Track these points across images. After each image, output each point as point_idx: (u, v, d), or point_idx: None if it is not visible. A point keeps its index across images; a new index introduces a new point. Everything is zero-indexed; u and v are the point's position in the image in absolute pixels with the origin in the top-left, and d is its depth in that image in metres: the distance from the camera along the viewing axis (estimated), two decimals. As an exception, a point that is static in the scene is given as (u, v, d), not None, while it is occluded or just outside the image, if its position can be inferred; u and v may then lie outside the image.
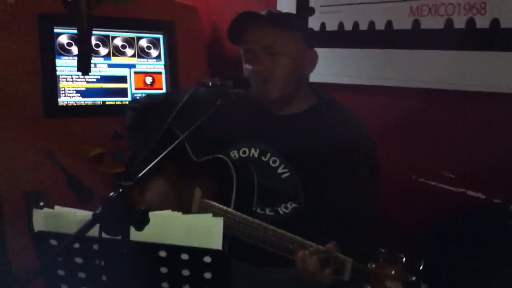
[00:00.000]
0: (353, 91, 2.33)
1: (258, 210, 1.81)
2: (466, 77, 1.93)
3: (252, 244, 1.66)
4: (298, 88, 1.90)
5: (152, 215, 1.28)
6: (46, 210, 1.38)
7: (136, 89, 2.84)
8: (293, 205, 1.80)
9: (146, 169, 1.38)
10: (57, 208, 1.39)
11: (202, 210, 1.79)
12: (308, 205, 1.79)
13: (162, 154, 1.42)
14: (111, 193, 1.26)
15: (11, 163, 2.49)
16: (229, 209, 1.72)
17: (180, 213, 1.36)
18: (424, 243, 1.82)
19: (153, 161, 1.42)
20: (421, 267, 1.33)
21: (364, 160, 1.78)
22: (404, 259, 1.36)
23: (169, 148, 1.44)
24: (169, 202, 1.89)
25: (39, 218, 1.38)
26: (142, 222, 1.27)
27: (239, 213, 1.69)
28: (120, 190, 1.26)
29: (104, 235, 1.25)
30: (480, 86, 1.89)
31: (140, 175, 1.36)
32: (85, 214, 1.30)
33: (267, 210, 1.82)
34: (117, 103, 2.76)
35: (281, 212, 1.81)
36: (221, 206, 1.75)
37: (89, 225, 1.25)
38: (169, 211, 1.36)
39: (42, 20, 2.53)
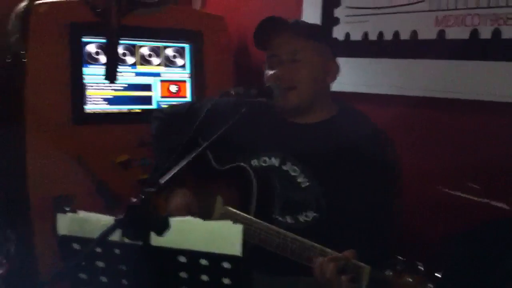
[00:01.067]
0: (377, 100, 2.32)
1: (279, 218, 1.82)
2: (493, 87, 1.91)
3: (271, 253, 1.66)
4: (319, 97, 1.90)
5: (173, 221, 1.30)
6: (70, 215, 1.41)
7: (161, 97, 2.87)
8: (314, 214, 1.80)
9: (168, 175, 1.40)
10: (81, 213, 1.41)
11: (223, 217, 1.80)
12: (328, 214, 1.79)
13: (185, 162, 1.44)
14: (134, 199, 1.29)
15: (41, 168, 2.55)
16: (249, 217, 1.73)
17: (201, 220, 1.37)
18: (446, 254, 1.80)
19: (176, 169, 1.44)
20: (439, 276, 1.32)
21: (385, 170, 1.78)
22: (422, 267, 1.35)
23: (191, 156, 1.46)
24: (191, 209, 1.91)
25: (63, 222, 1.41)
26: (162, 228, 1.29)
27: (259, 221, 1.70)
28: (142, 196, 1.29)
29: (126, 240, 1.28)
30: (504, 97, 1.86)
31: (162, 182, 1.38)
32: (109, 219, 1.32)
33: (288, 218, 1.82)
34: (142, 110, 2.80)
35: (302, 220, 1.81)
36: (241, 213, 1.75)
37: (110, 230, 1.27)
38: (189, 217, 1.38)
39: (71, 29, 2.58)
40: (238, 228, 1.35)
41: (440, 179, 2.09)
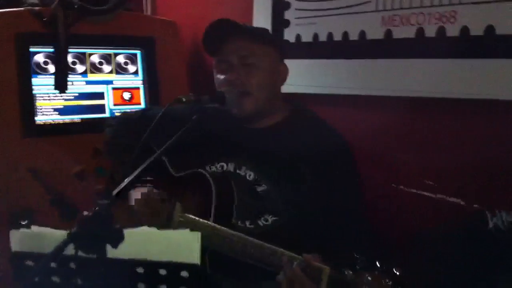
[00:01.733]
0: (330, 101, 2.35)
1: (239, 223, 1.82)
2: (441, 85, 1.95)
3: (232, 258, 1.66)
4: (272, 101, 1.92)
5: (128, 232, 1.29)
6: (22, 230, 1.38)
7: (114, 105, 2.84)
8: (273, 217, 1.81)
9: (121, 186, 1.39)
10: (34, 228, 1.39)
11: (183, 224, 1.79)
12: (287, 217, 1.80)
13: (138, 170, 1.42)
14: (86, 212, 1.27)
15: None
16: (209, 223, 1.73)
17: (156, 229, 1.36)
18: (405, 251, 1.84)
19: (130, 178, 1.42)
20: (397, 272, 1.34)
21: (340, 168, 1.80)
22: (379, 264, 1.37)
23: (144, 164, 1.45)
24: (149, 218, 1.89)
25: (16, 238, 1.38)
26: (117, 240, 1.28)
27: (219, 227, 1.70)
28: (96, 208, 1.27)
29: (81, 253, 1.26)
30: (457, 94, 1.91)
31: (114, 193, 1.36)
32: (63, 233, 1.30)
33: (247, 223, 1.83)
34: (95, 120, 2.76)
35: (261, 225, 1.82)
36: (201, 220, 1.75)
37: (64, 244, 1.25)
38: (145, 227, 1.37)
39: (18, 39, 2.53)
40: (196, 236, 1.35)
41: (395, 176, 2.12)
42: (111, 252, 1.29)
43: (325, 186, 1.77)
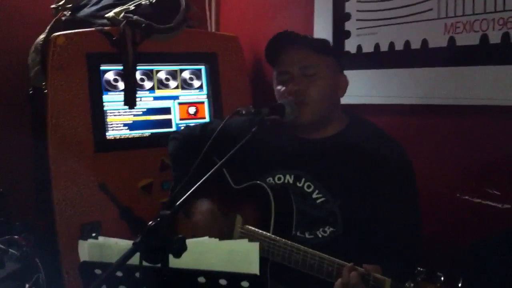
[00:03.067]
0: (391, 111, 2.32)
1: (298, 234, 1.82)
2: (500, 92, 1.90)
3: (292, 269, 1.67)
4: (331, 112, 1.91)
5: (190, 242, 1.32)
6: (90, 241, 1.44)
7: (180, 119, 2.91)
8: (331, 229, 1.81)
9: (183, 198, 1.42)
10: (101, 238, 1.45)
11: (244, 236, 1.82)
12: (345, 229, 1.79)
13: (200, 182, 1.46)
14: (150, 222, 1.32)
15: (66, 196, 2.61)
16: (269, 234, 1.74)
17: (217, 239, 1.39)
18: (467, 262, 1.78)
19: (192, 189, 1.46)
20: (459, 284, 1.31)
21: (399, 180, 1.77)
22: (442, 277, 1.34)
23: (206, 176, 1.47)
24: (211, 230, 1.93)
25: (83, 249, 1.44)
26: (180, 250, 1.31)
27: (278, 238, 1.71)
28: (158, 219, 1.31)
29: (145, 263, 1.30)
30: None
31: (177, 204, 1.40)
32: (128, 243, 1.35)
33: (306, 234, 1.83)
34: (163, 134, 2.84)
35: (320, 236, 1.81)
36: (261, 231, 1.77)
37: (129, 254, 1.30)
38: (206, 238, 1.40)
39: (89, 58, 2.65)
40: (255, 247, 1.37)
41: (459, 186, 2.07)
42: (174, 262, 1.32)
43: (383, 198, 1.74)
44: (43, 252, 2.72)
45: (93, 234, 2.68)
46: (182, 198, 1.44)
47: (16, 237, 2.57)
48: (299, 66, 1.87)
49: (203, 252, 1.38)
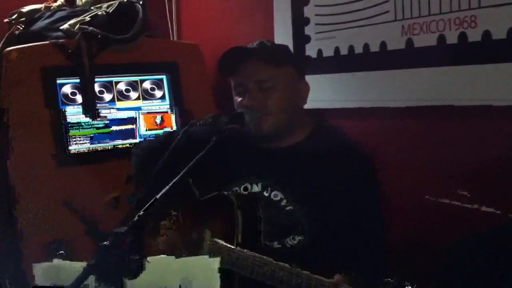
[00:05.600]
0: (354, 115, 2.31)
1: (266, 243, 1.80)
2: (464, 92, 1.90)
3: (261, 283, 1.64)
4: (292, 120, 1.89)
5: (147, 261, 1.28)
6: (45, 263, 1.40)
7: (146, 130, 2.87)
8: (299, 237, 1.78)
9: (140, 212, 1.39)
10: (56, 261, 1.40)
11: (212, 250, 1.78)
12: (314, 236, 1.77)
13: (154, 198, 1.42)
14: (104, 242, 1.27)
15: (30, 214, 2.53)
16: (238, 248, 1.71)
17: (173, 257, 1.35)
18: (436, 267, 1.77)
19: (149, 204, 1.42)
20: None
21: (364, 185, 1.76)
22: (409, 286, 1.32)
23: (162, 192, 1.44)
24: (179, 245, 1.89)
25: (38, 272, 1.39)
26: (137, 270, 1.27)
27: (245, 250, 1.68)
28: (112, 238, 1.27)
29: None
30: (477, 100, 1.86)
31: (133, 221, 1.36)
32: (82, 265, 1.30)
33: (275, 244, 1.81)
34: (127, 146, 2.80)
35: (288, 245, 1.79)
36: (229, 245, 1.73)
37: (83, 276, 1.26)
38: (163, 256, 1.36)
39: (44, 72, 2.58)
40: (215, 262, 1.34)
41: (428, 188, 2.07)
42: (131, 282, 1.28)
43: (346, 204, 1.73)
44: (8, 272, 2.65)
45: (61, 252, 2.63)
46: (139, 213, 1.40)
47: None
48: (254, 80, 1.84)
49: (161, 270, 1.34)
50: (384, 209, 1.78)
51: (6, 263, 2.48)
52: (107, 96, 2.80)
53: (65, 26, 2.71)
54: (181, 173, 1.52)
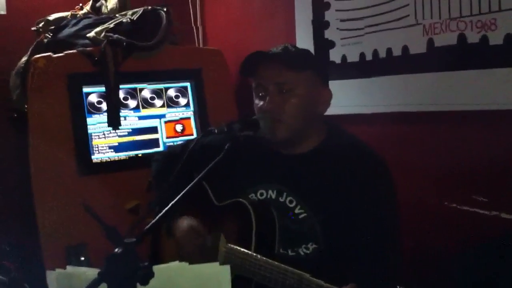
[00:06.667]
0: (377, 120, 2.28)
1: (281, 251, 1.78)
2: (490, 95, 1.85)
3: None
4: (309, 127, 1.85)
5: (158, 268, 1.28)
6: (58, 270, 1.40)
7: (167, 137, 2.88)
8: (314, 245, 1.76)
9: (153, 222, 1.39)
10: (69, 268, 1.41)
11: (227, 256, 1.77)
12: (327, 244, 1.74)
13: (170, 204, 1.41)
14: (116, 250, 1.28)
15: (51, 221, 2.57)
16: (253, 253, 1.69)
17: (187, 264, 1.34)
18: (454, 273, 1.73)
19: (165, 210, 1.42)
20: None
21: (380, 192, 1.72)
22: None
23: (177, 198, 1.43)
24: (196, 249, 1.88)
25: (52, 279, 1.40)
26: (146, 277, 1.27)
27: (259, 256, 1.66)
28: (123, 246, 1.27)
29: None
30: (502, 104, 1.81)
31: (145, 229, 1.36)
32: (94, 272, 1.31)
33: (289, 251, 1.78)
34: (150, 154, 2.79)
35: (302, 253, 1.76)
36: (242, 250, 1.72)
37: (94, 283, 1.26)
38: (175, 262, 1.36)
39: (71, 80, 2.62)
40: (226, 270, 1.33)
41: (446, 194, 2.02)
42: (143, 289, 1.28)
43: (362, 213, 1.69)
44: (31, 276, 2.70)
45: (82, 258, 2.66)
46: (152, 222, 1.40)
47: (4, 262, 2.55)
48: (274, 82, 1.82)
49: (173, 277, 1.34)
50: (399, 216, 1.74)
51: (27, 267, 2.51)
52: (132, 103, 2.82)
53: (92, 34, 2.75)
54: (194, 181, 1.51)
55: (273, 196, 1.85)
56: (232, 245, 1.78)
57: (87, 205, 2.55)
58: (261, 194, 1.88)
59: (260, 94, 1.86)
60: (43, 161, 2.56)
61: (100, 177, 2.68)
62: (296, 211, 1.79)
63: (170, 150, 2.19)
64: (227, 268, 1.31)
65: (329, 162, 1.79)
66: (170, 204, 1.45)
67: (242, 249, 1.74)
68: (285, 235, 1.77)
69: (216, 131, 1.66)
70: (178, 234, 1.93)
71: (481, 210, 1.89)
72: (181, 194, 1.49)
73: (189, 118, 2.94)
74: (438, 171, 2.06)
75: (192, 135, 2.93)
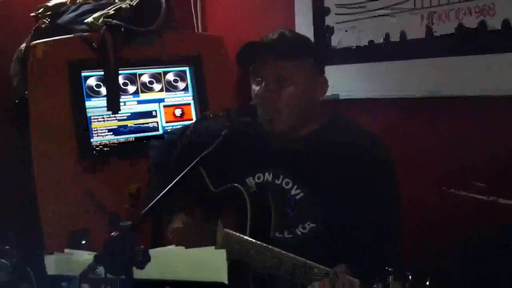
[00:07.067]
0: (375, 105, 2.28)
1: (277, 234, 1.79)
2: (488, 81, 1.86)
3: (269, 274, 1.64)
4: (308, 113, 1.86)
5: (155, 251, 1.30)
6: (56, 254, 1.42)
7: (166, 122, 2.89)
8: (311, 224, 1.77)
9: (149, 206, 1.41)
10: (67, 251, 1.43)
11: (225, 241, 1.79)
12: (325, 224, 1.75)
13: (163, 192, 1.43)
14: (112, 233, 1.29)
15: (53, 205, 2.58)
16: (249, 239, 1.71)
17: (183, 248, 1.36)
18: (454, 257, 1.75)
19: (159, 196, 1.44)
20: (427, 283, 1.27)
21: (380, 176, 1.73)
22: (410, 276, 1.30)
23: (169, 185, 1.45)
24: (193, 236, 1.90)
25: (50, 262, 1.42)
26: (143, 261, 1.28)
27: (254, 241, 1.68)
28: (119, 231, 1.28)
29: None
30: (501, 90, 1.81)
31: (142, 214, 1.38)
32: (91, 256, 1.32)
33: (285, 233, 1.80)
34: (149, 138, 2.81)
35: (299, 233, 1.78)
36: (239, 235, 1.74)
37: (92, 267, 1.28)
38: (172, 247, 1.37)
39: (70, 65, 2.63)
40: (221, 254, 1.34)
41: (445, 179, 2.03)
42: (140, 273, 1.30)
43: (362, 196, 1.70)
44: (31, 262, 2.72)
45: (83, 242, 2.68)
46: (148, 207, 1.42)
47: (7, 247, 2.57)
48: (270, 70, 1.82)
49: (169, 261, 1.35)
50: (400, 200, 1.75)
51: (30, 254, 2.53)
52: (131, 88, 2.83)
53: (90, 19, 2.74)
54: (188, 168, 1.53)
55: (269, 179, 1.86)
56: (228, 230, 1.80)
57: (90, 191, 2.60)
58: (259, 178, 1.89)
59: (257, 80, 1.86)
60: (44, 146, 2.57)
61: (99, 160, 2.69)
62: (293, 192, 1.80)
63: (168, 136, 2.20)
64: (223, 252, 1.33)
65: (328, 144, 1.80)
66: (165, 189, 1.47)
67: (238, 234, 1.75)
68: (282, 218, 1.79)
69: (211, 115, 1.67)
70: (177, 221, 1.95)
71: (479, 195, 1.89)
72: (177, 179, 1.51)
73: (189, 104, 2.95)
74: (436, 157, 2.07)
75: (192, 120, 2.94)
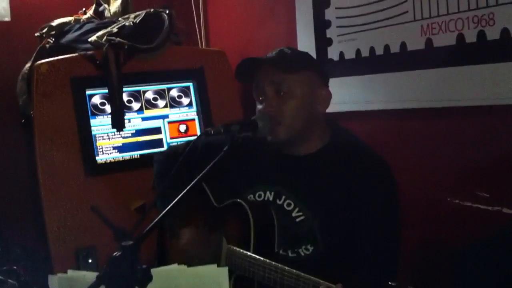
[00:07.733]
0: (375, 116, 2.28)
1: (281, 252, 1.79)
2: (487, 90, 1.85)
3: None
4: (310, 127, 1.85)
5: (157, 270, 1.30)
6: (59, 275, 1.43)
7: (171, 138, 2.90)
8: (312, 247, 1.77)
9: (150, 226, 1.40)
10: (70, 272, 1.43)
11: (229, 257, 1.79)
12: (325, 247, 1.75)
13: (166, 210, 1.43)
14: (114, 253, 1.30)
15: (60, 222, 2.60)
16: (253, 255, 1.71)
17: (185, 266, 1.36)
18: (458, 267, 1.74)
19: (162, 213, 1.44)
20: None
21: (381, 199, 1.72)
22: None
23: (172, 203, 1.45)
24: (199, 254, 1.90)
25: (54, 283, 1.42)
26: (144, 280, 1.29)
27: (257, 257, 1.68)
28: (121, 250, 1.29)
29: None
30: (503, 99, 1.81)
31: (144, 233, 1.38)
32: (93, 276, 1.33)
33: (289, 252, 1.79)
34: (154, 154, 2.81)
35: (303, 254, 1.78)
36: (242, 251, 1.74)
37: (94, 287, 1.28)
38: (174, 265, 1.38)
39: (74, 83, 2.65)
40: (223, 271, 1.34)
41: (449, 190, 2.02)
42: (142, 292, 1.30)
43: (363, 217, 1.70)
44: (42, 278, 2.73)
45: (90, 261, 2.69)
46: (151, 224, 1.42)
47: (14, 267, 2.58)
48: (270, 85, 1.82)
49: (171, 279, 1.36)
50: (401, 224, 1.75)
51: (37, 271, 2.54)
52: (135, 105, 2.84)
53: (93, 38, 2.77)
54: (190, 185, 1.52)
55: (271, 198, 1.86)
56: (232, 246, 1.80)
57: (95, 207, 2.60)
58: (259, 196, 1.88)
59: (260, 98, 1.87)
60: (50, 165, 2.58)
61: (105, 178, 2.71)
62: (294, 214, 1.80)
63: (171, 151, 2.20)
64: (225, 270, 1.33)
65: (331, 166, 1.79)
66: (167, 208, 1.47)
67: (241, 250, 1.76)
68: (284, 236, 1.78)
69: (212, 132, 1.67)
70: (183, 236, 1.95)
71: (483, 205, 1.88)
72: (180, 196, 1.51)
73: (193, 119, 2.96)
74: (438, 168, 2.06)
75: (196, 135, 2.94)
